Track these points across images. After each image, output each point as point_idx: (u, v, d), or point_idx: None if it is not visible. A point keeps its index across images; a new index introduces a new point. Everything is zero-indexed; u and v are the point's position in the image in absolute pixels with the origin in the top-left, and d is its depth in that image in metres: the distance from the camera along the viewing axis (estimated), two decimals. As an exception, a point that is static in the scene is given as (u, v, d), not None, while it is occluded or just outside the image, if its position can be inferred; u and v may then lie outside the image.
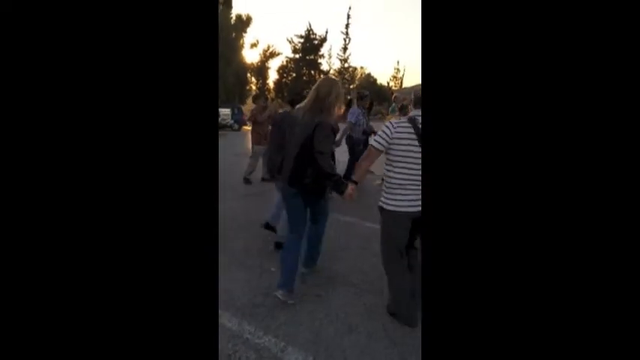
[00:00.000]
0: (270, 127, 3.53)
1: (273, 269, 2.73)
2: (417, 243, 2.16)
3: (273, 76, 28.94)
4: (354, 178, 2.11)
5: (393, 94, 9.89)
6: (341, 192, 2.06)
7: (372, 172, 5.69)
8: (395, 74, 36.41)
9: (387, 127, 1.93)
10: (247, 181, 5.50)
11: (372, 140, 2.38)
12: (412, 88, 23.10)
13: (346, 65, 28.98)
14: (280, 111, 4.12)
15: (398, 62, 68.49)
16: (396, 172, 1.92)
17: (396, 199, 1.94)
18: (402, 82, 35.61)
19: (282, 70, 28.55)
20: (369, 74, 39.60)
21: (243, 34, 26.27)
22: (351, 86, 30.08)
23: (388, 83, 35.97)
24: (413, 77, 58.21)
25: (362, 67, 39.31)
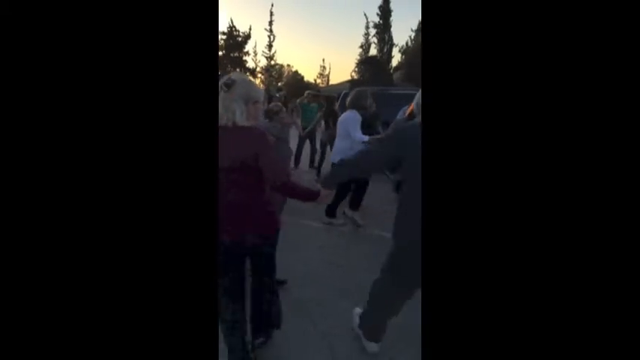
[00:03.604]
0: None
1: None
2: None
3: (196, 74, 27.59)
4: None
5: (319, 91, 9.82)
6: None
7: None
8: (321, 72, 37.07)
9: None
10: None
11: None
12: (339, 85, 23.70)
13: (272, 63, 28.74)
14: None
15: (323, 60, 69.87)
16: None
17: None
18: (328, 80, 36.38)
19: (206, 68, 27.36)
20: (296, 72, 39.77)
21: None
22: (279, 84, 29.93)
23: (315, 81, 36.53)
24: (339, 75, 59.80)
25: (289, 65, 39.35)
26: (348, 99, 3.55)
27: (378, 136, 3.21)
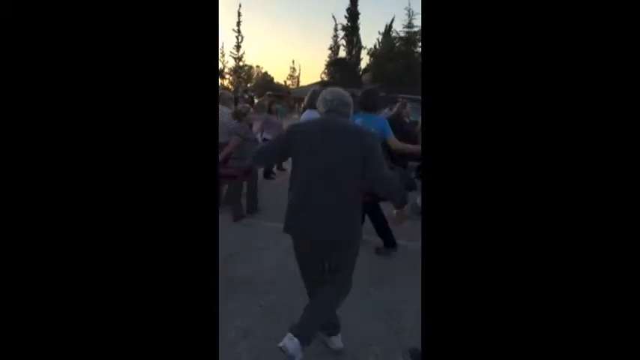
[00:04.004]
0: None
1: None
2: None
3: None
4: None
5: (289, 92, 9.82)
6: None
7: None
8: (291, 73, 37.05)
9: None
10: None
11: None
12: (309, 86, 23.73)
13: (241, 64, 28.35)
14: None
15: (293, 61, 69.85)
16: None
17: None
18: (298, 81, 36.36)
19: (172, 69, 26.61)
20: (265, 73, 39.44)
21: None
22: (248, 85, 29.58)
23: (285, 82, 36.39)
24: (309, 76, 59.86)
25: (258, 66, 38.99)
26: (305, 100, 3.63)
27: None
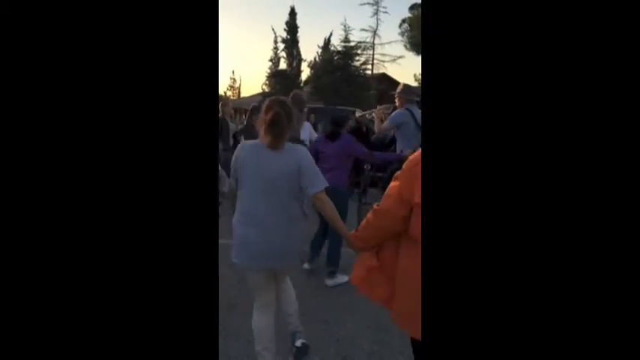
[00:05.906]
0: None
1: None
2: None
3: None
4: None
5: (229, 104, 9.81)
6: None
7: None
8: (232, 84, 36.46)
9: None
10: None
11: None
12: (250, 98, 23.48)
13: (179, 74, 27.14)
14: None
15: (233, 72, 68.45)
16: None
17: None
18: (239, 92, 35.88)
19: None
20: (204, 83, 38.03)
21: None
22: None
23: (225, 93, 35.73)
24: (250, 88, 59.18)
25: (196, 76, 37.50)
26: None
27: None
